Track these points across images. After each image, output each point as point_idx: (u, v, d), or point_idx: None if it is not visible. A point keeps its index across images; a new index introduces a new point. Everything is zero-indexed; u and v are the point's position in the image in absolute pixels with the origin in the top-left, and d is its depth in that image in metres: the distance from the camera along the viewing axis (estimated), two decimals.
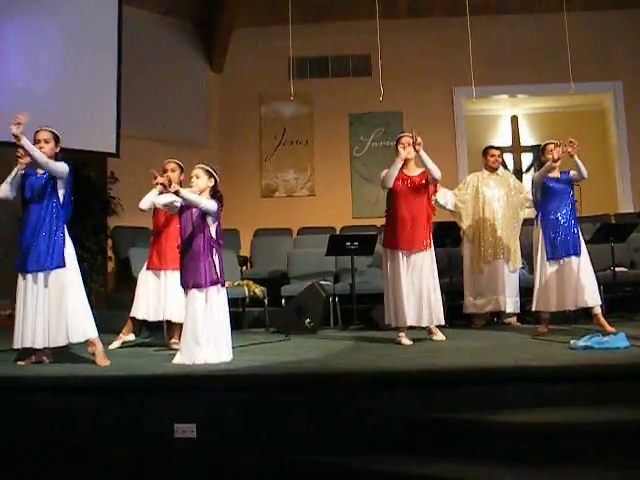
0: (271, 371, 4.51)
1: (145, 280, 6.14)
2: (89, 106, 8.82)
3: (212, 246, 4.93)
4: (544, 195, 6.31)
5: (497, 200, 7.32)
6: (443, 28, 11.09)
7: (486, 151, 7.63)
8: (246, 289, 7.76)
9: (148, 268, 6.15)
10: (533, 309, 6.37)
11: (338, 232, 10.19)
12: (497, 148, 7.78)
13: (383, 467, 3.74)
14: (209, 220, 4.94)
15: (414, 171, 6.07)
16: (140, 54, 9.88)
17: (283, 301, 7.91)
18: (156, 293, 6.08)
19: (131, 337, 6.18)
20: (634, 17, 11.53)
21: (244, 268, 9.44)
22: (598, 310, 6.09)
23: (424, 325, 5.93)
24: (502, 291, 7.14)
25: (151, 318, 6.14)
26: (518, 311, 7.31)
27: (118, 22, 9.27)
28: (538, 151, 12.84)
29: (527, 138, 13.01)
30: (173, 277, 5.63)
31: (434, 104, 11.39)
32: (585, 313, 6.50)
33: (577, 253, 6.10)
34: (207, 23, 11.07)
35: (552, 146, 6.22)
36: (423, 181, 6.01)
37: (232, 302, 5.21)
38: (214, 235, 4.95)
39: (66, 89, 8.60)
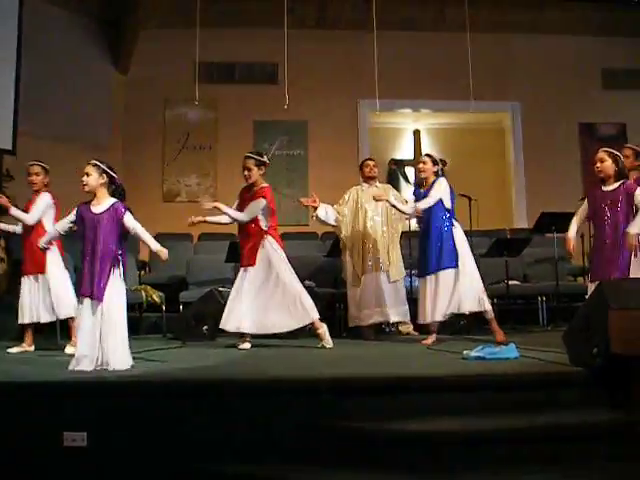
0: (164, 378, 4.43)
1: (27, 285, 6.07)
2: None
3: (115, 254, 4.80)
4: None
5: (376, 212, 7.33)
6: (351, 41, 11.22)
7: (362, 163, 7.70)
8: (144, 294, 7.62)
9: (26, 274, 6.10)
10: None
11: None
12: (371, 159, 7.82)
13: (275, 475, 3.72)
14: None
15: None
16: (42, 49, 9.61)
17: (181, 307, 7.82)
18: (37, 295, 6.03)
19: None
20: (533, 41, 11.97)
21: (142, 273, 9.28)
22: (490, 315, 6.27)
23: None
24: (385, 302, 7.15)
25: (35, 320, 6.07)
26: (407, 319, 7.32)
27: (19, 13, 8.92)
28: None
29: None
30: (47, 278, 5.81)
31: (339, 115, 11.51)
32: (478, 324, 6.66)
33: (444, 267, 6.26)
34: (114, 22, 10.88)
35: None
36: None
37: (129, 307, 5.08)
38: (118, 241, 4.84)
39: None
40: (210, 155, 11.47)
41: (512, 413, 3.99)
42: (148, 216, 10.56)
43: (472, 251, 6.44)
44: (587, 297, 4.71)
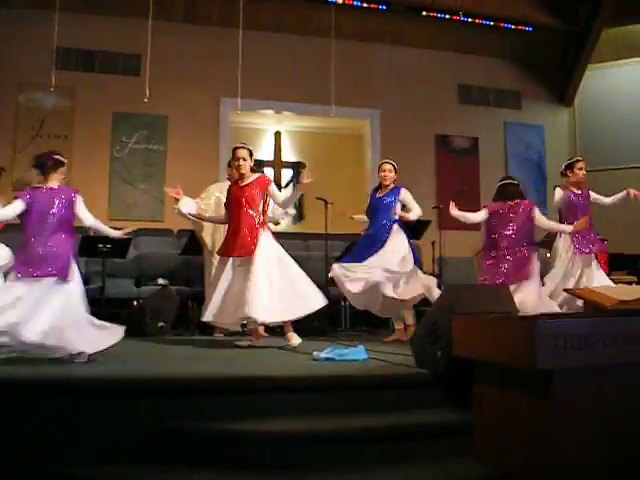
0: (5, 375, 4.25)
1: None
2: None
3: None
4: None
5: None
6: (216, 38, 11.10)
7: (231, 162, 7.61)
8: None
9: None
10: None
11: (92, 233, 9.82)
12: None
13: (123, 477, 3.65)
14: None
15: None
16: None
17: None
18: None
19: None
20: (395, 52, 12.28)
21: None
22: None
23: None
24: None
25: None
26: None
27: None
28: (298, 167, 13.42)
29: (288, 154, 13.40)
30: None
31: (200, 112, 11.37)
32: (330, 326, 6.78)
33: None
34: None
35: None
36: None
37: None
38: None
39: None
40: (65, 145, 11.01)
41: (359, 413, 4.09)
42: None
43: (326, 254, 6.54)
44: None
